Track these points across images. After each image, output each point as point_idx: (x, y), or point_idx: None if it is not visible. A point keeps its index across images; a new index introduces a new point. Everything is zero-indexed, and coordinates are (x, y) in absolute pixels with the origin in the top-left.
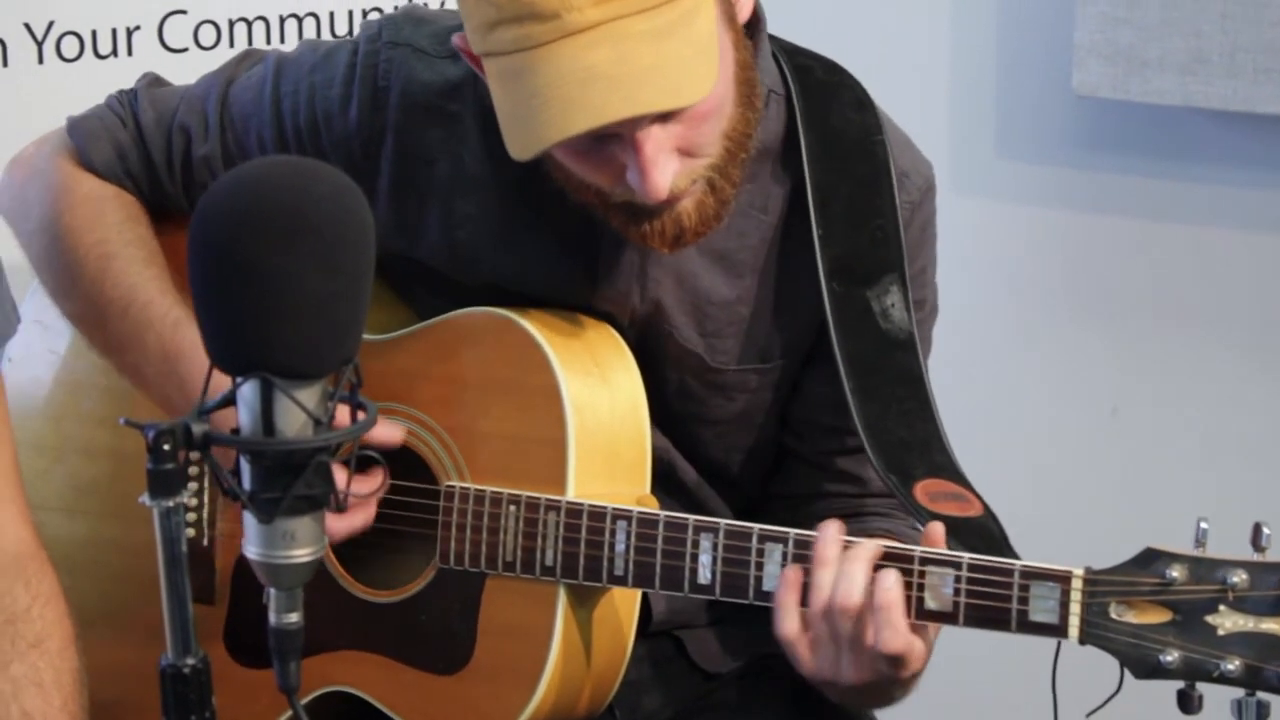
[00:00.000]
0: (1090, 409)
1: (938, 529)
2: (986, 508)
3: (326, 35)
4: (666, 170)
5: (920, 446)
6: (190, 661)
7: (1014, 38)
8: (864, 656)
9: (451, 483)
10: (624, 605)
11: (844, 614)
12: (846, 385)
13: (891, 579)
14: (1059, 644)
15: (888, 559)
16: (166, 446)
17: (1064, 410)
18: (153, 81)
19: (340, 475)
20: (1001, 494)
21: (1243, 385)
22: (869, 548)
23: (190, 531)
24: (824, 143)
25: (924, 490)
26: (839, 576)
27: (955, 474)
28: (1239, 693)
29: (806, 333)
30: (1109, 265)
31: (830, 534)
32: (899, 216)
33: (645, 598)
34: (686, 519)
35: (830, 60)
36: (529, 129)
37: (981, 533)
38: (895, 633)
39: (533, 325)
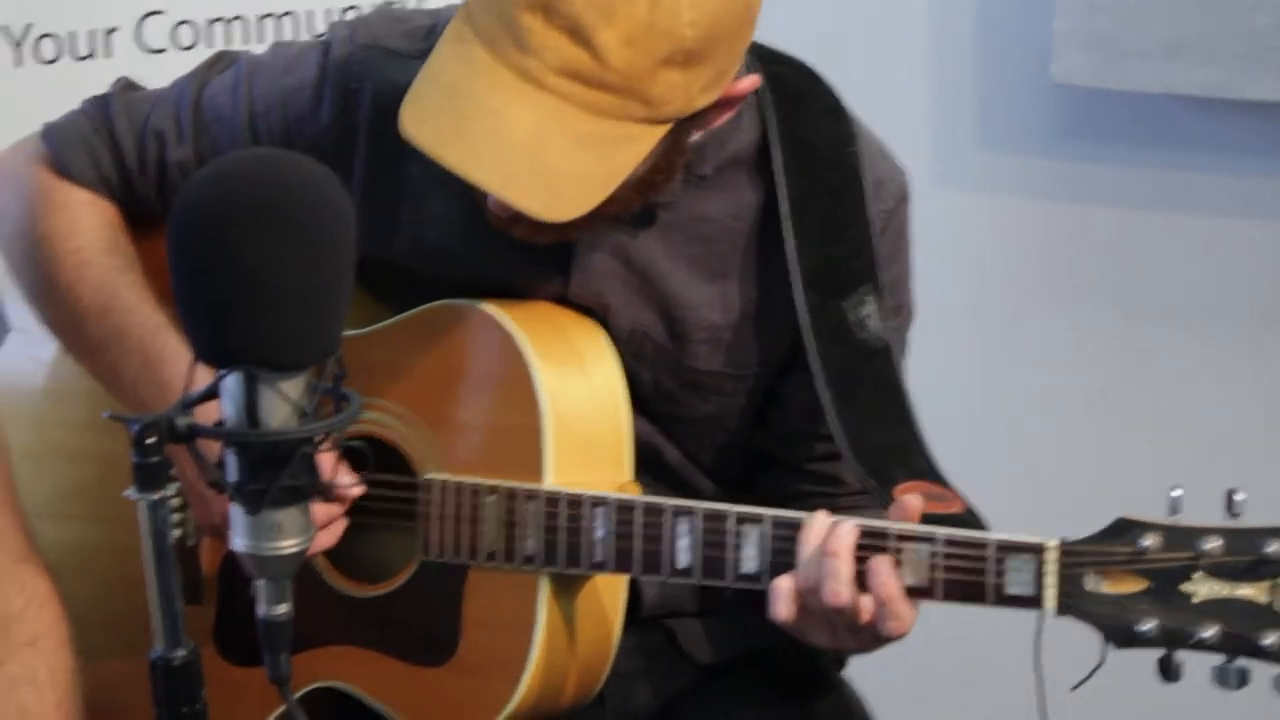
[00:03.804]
0: (1071, 398)
1: (911, 501)
2: (968, 506)
3: (304, 35)
4: (520, 219)
5: (900, 452)
6: (180, 653)
7: (993, 27)
8: (864, 635)
9: (431, 475)
10: (609, 594)
11: (835, 611)
12: (826, 394)
13: (885, 570)
14: (1040, 619)
15: (866, 537)
16: (151, 440)
17: (1044, 399)
18: (126, 86)
19: (325, 466)
20: (982, 483)
21: (1225, 373)
22: (848, 535)
23: (176, 532)
24: (797, 154)
25: (904, 492)
26: (825, 575)
27: (936, 476)
28: (1221, 660)
29: (782, 342)
30: (1090, 254)
31: (816, 528)
32: (872, 227)
33: (635, 585)
34: (664, 503)
35: (805, 66)
36: (412, 105)
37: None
38: (900, 621)
39: (506, 316)
